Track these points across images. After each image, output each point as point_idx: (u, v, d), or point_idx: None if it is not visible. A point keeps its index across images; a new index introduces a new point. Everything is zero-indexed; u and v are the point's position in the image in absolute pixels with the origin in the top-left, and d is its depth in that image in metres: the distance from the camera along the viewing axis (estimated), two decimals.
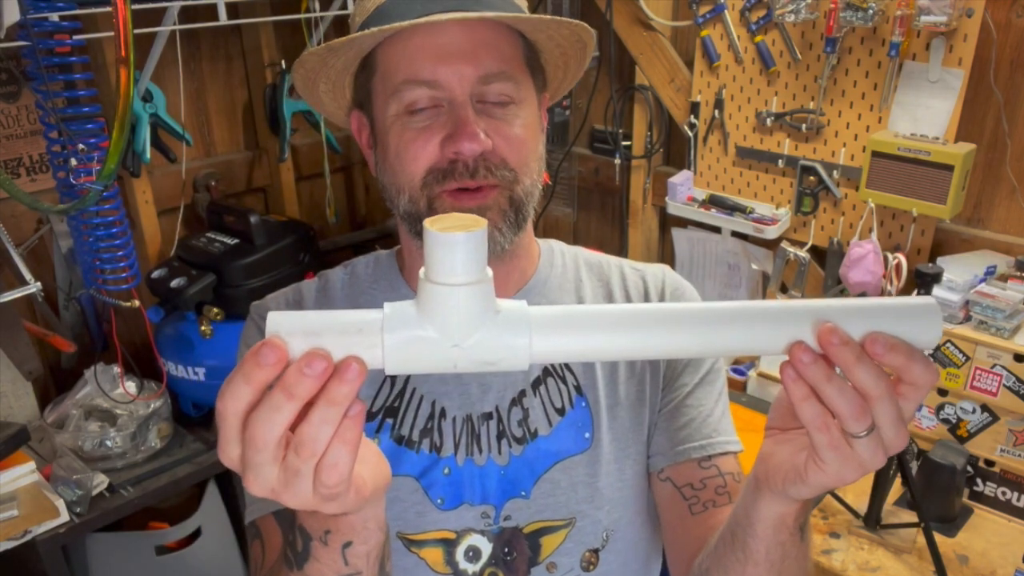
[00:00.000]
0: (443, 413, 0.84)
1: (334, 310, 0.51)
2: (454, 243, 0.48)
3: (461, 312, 0.49)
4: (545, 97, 0.86)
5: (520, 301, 0.53)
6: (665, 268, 0.94)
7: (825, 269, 1.87)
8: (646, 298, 0.90)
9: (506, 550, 0.83)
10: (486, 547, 0.83)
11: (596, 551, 0.85)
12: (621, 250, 2.28)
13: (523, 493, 0.83)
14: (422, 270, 0.50)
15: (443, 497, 0.83)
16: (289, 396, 0.47)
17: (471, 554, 0.83)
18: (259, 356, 0.47)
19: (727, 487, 0.85)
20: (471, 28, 0.74)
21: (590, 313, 0.52)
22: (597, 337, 0.51)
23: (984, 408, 1.51)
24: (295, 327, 0.48)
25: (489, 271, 0.51)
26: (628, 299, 0.89)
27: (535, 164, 0.80)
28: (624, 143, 2.17)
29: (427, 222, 0.49)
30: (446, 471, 0.83)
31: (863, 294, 1.50)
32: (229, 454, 0.49)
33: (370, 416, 0.83)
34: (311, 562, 0.62)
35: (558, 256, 0.92)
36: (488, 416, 0.84)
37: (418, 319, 0.50)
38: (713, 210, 1.97)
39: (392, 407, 0.84)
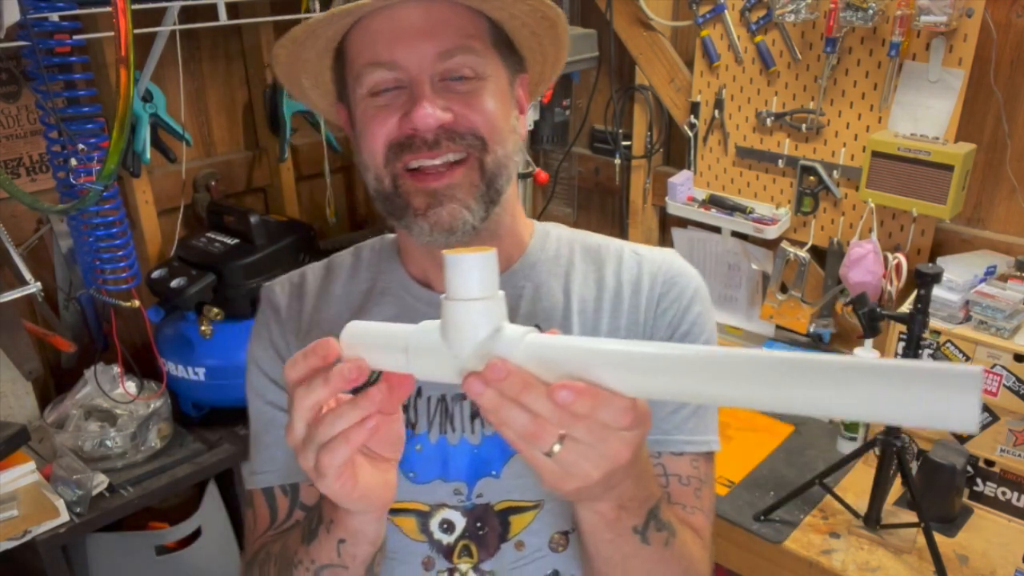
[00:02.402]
0: (419, 392, 0.85)
1: (392, 323, 0.61)
2: (463, 262, 0.55)
3: (464, 324, 0.55)
4: (524, 79, 0.85)
5: (529, 327, 0.56)
6: (670, 255, 0.91)
7: (825, 269, 1.87)
8: (638, 285, 0.87)
9: (478, 524, 0.85)
10: (460, 521, 0.85)
11: (566, 533, 0.86)
12: None
13: (493, 472, 0.84)
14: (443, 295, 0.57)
15: (415, 472, 0.84)
16: (325, 383, 0.59)
17: (445, 526, 0.85)
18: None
19: (667, 487, 0.84)
20: (428, 8, 0.74)
21: (590, 347, 0.53)
22: (578, 367, 0.52)
23: (984, 408, 1.51)
24: (357, 336, 0.62)
25: (501, 292, 0.56)
26: (619, 285, 0.87)
27: (508, 136, 0.79)
28: (624, 143, 2.17)
29: (444, 251, 0.56)
30: (418, 448, 0.84)
31: (863, 294, 1.50)
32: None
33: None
34: (315, 542, 0.73)
35: (552, 240, 0.92)
36: (462, 396, 0.84)
37: (437, 335, 0.57)
38: (713, 210, 1.97)
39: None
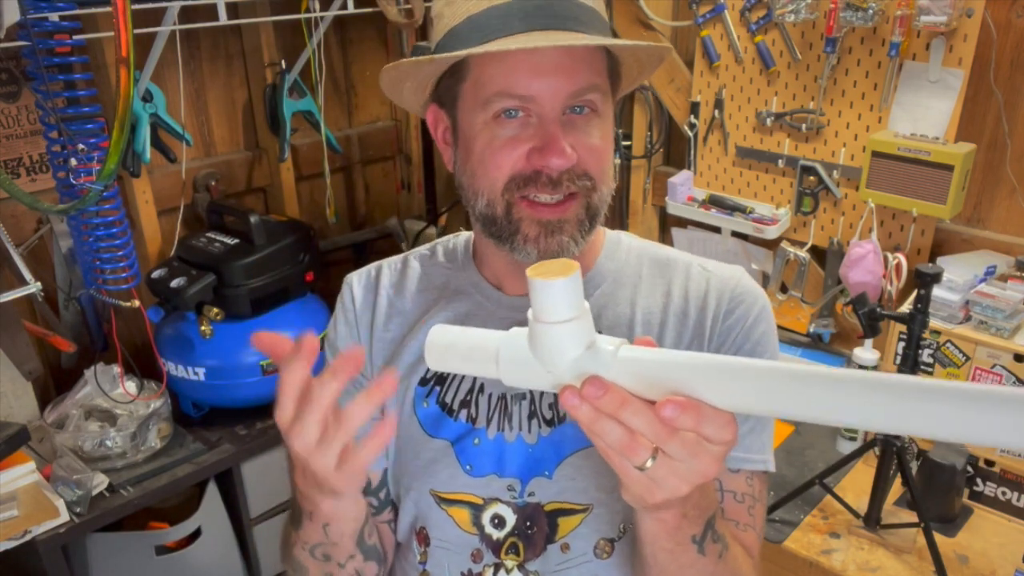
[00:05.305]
0: (481, 388, 0.88)
1: (475, 329, 0.63)
2: (551, 288, 0.56)
3: (555, 345, 0.57)
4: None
5: (621, 339, 0.57)
6: (738, 272, 0.91)
7: (825, 269, 1.87)
8: (704, 301, 0.88)
9: (527, 523, 0.86)
10: (510, 517, 0.87)
11: (612, 541, 0.86)
12: None
13: (547, 473, 0.86)
14: (530, 310, 0.58)
15: (472, 464, 0.87)
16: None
17: (496, 521, 0.87)
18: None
19: (722, 503, 0.84)
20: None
21: (679, 360, 0.54)
22: (676, 382, 0.53)
23: None
24: (443, 342, 0.64)
25: (586, 305, 0.57)
26: (686, 301, 0.88)
27: (611, 171, 0.83)
28: (624, 143, 2.17)
29: (529, 271, 0.56)
30: (476, 441, 0.87)
31: (863, 294, 1.50)
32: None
33: (424, 382, 0.91)
34: (302, 528, 0.80)
35: (623, 250, 0.94)
36: (522, 396, 0.87)
37: (527, 348, 0.59)
38: (713, 210, 1.97)
39: (442, 376, 0.90)
